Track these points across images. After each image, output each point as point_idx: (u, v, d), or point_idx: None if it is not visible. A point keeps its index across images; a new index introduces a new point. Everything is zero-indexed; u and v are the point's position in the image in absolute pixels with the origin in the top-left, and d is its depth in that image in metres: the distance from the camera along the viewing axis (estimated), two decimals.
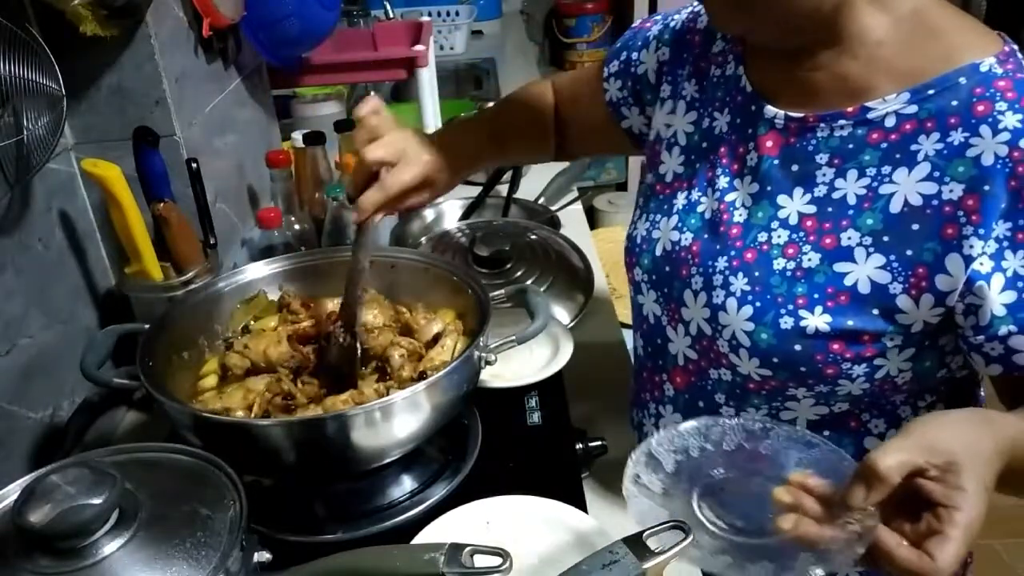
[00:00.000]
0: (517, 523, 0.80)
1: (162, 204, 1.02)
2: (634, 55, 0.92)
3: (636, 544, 0.67)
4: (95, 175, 0.94)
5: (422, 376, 0.87)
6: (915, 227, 0.67)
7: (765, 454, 0.66)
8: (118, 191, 0.95)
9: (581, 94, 0.99)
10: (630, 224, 0.89)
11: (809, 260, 0.71)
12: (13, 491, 0.63)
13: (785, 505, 0.58)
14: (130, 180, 0.97)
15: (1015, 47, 0.68)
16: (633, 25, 0.95)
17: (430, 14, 2.43)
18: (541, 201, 1.60)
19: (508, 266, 1.24)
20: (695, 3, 0.86)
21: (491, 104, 1.40)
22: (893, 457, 0.55)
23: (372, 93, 0.85)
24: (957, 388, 0.78)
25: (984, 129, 0.64)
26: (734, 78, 0.79)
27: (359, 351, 0.89)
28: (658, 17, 0.92)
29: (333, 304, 0.98)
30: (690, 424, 0.69)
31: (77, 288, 1.04)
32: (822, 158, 0.72)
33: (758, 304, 0.72)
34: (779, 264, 0.72)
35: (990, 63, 0.66)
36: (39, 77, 0.84)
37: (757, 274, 0.73)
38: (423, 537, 0.79)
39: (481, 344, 0.85)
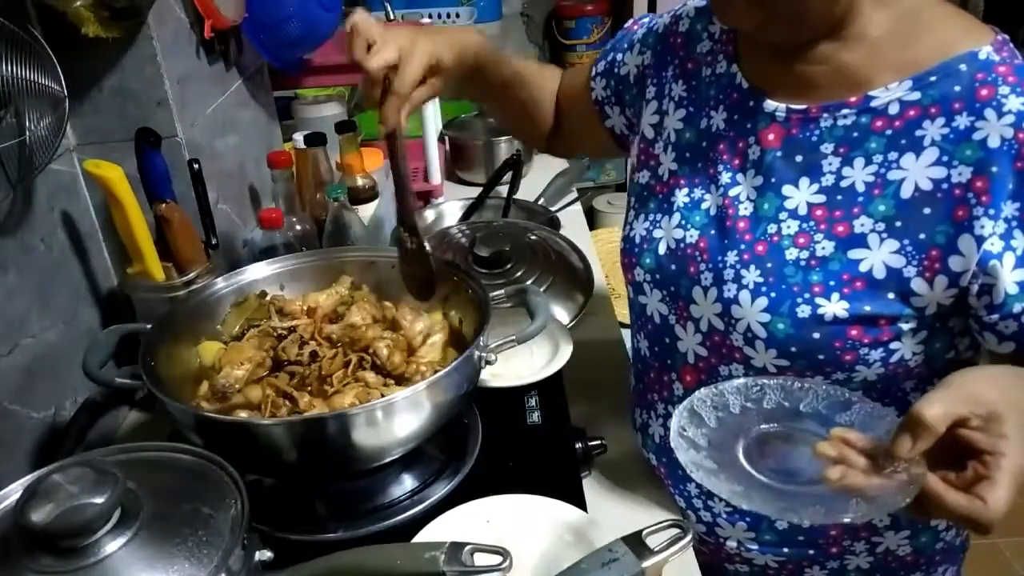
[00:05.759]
0: (517, 522, 0.81)
1: (164, 205, 1.02)
2: (619, 56, 0.93)
3: (635, 543, 0.68)
4: (97, 176, 0.95)
5: (414, 373, 0.88)
6: (927, 211, 0.68)
7: (805, 411, 0.68)
8: (120, 192, 0.95)
9: (576, 90, 1.00)
10: (624, 225, 0.89)
11: (823, 248, 0.72)
12: (15, 490, 0.64)
13: (830, 458, 0.60)
14: (132, 181, 0.98)
15: (1006, 36, 0.70)
16: (624, 26, 0.96)
17: (430, 16, 2.43)
18: (541, 202, 1.60)
19: (508, 266, 1.25)
20: (678, 6, 0.87)
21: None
22: (938, 407, 0.56)
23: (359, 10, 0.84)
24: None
25: (989, 112, 0.66)
26: (727, 76, 0.80)
27: (429, 250, 0.92)
28: (644, 20, 0.93)
29: (322, 299, 0.98)
30: (731, 383, 0.71)
31: (79, 288, 1.04)
32: (827, 148, 0.73)
33: (773, 295, 0.73)
34: (792, 254, 0.73)
35: (987, 51, 0.68)
36: (41, 78, 0.85)
37: (770, 265, 0.74)
38: (424, 536, 0.79)
39: (481, 344, 0.85)
